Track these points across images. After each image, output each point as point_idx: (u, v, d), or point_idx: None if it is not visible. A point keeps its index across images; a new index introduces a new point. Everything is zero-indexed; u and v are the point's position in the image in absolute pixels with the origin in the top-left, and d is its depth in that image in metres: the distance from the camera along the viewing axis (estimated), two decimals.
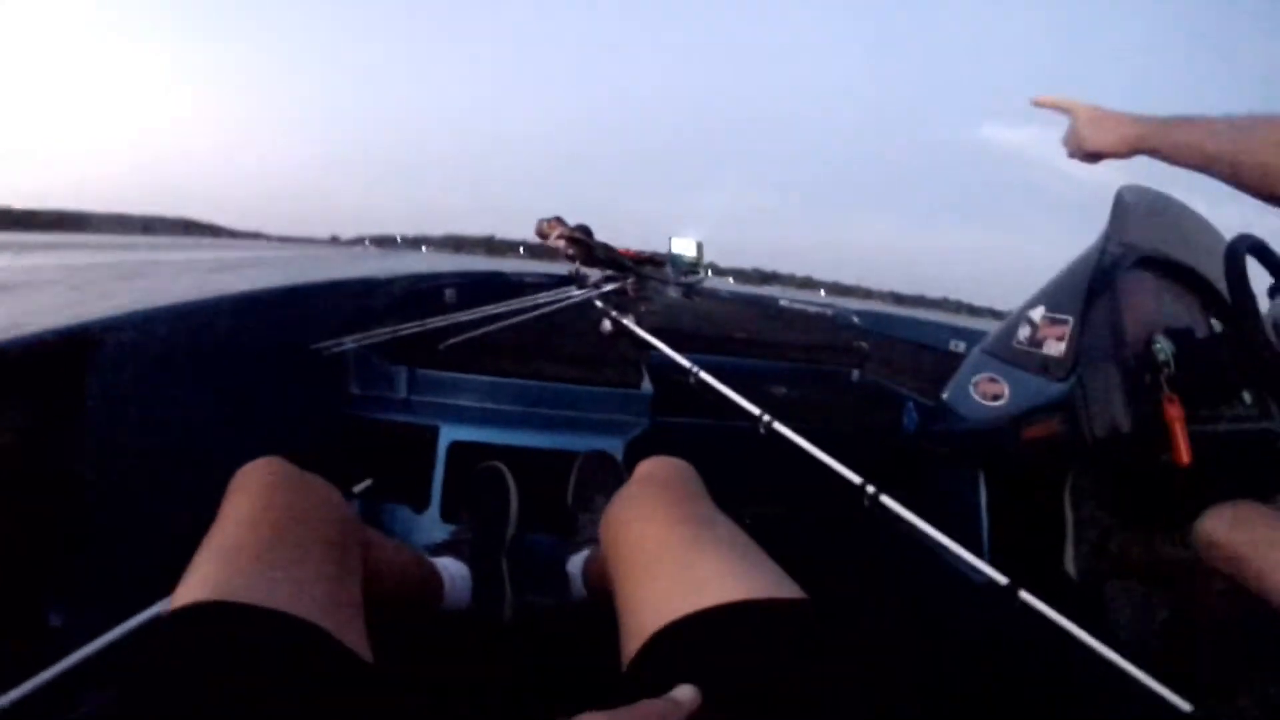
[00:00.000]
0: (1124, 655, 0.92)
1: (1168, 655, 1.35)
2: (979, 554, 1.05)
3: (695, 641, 0.55)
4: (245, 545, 0.60)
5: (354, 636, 0.58)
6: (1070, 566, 1.43)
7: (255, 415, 1.29)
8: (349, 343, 1.43)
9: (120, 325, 0.97)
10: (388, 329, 1.53)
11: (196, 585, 0.54)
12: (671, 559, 0.64)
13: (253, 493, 0.68)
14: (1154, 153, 0.98)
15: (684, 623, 0.55)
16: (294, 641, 0.53)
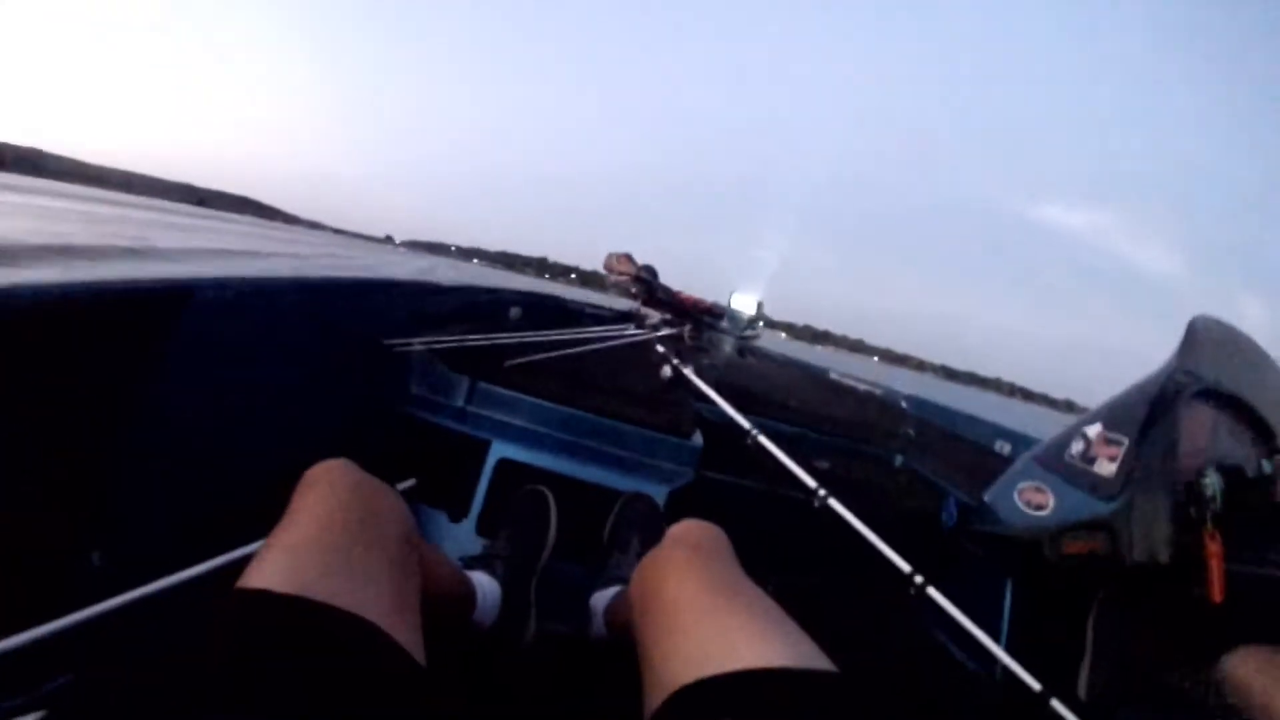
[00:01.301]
0: None
1: None
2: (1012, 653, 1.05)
3: (722, 702, 0.56)
4: (314, 542, 0.62)
5: (413, 643, 0.60)
6: (1083, 686, 1.42)
7: (318, 397, 1.33)
8: (416, 344, 1.47)
9: (211, 287, 1.01)
10: (455, 336, 1.56)
11: (265, 574, 0.56)
12: (705, 619, 0.65)
13: (324, 492, 0.70)
14: None
15: (713, 682, 0.56)
16: (355, 641, 0.55)
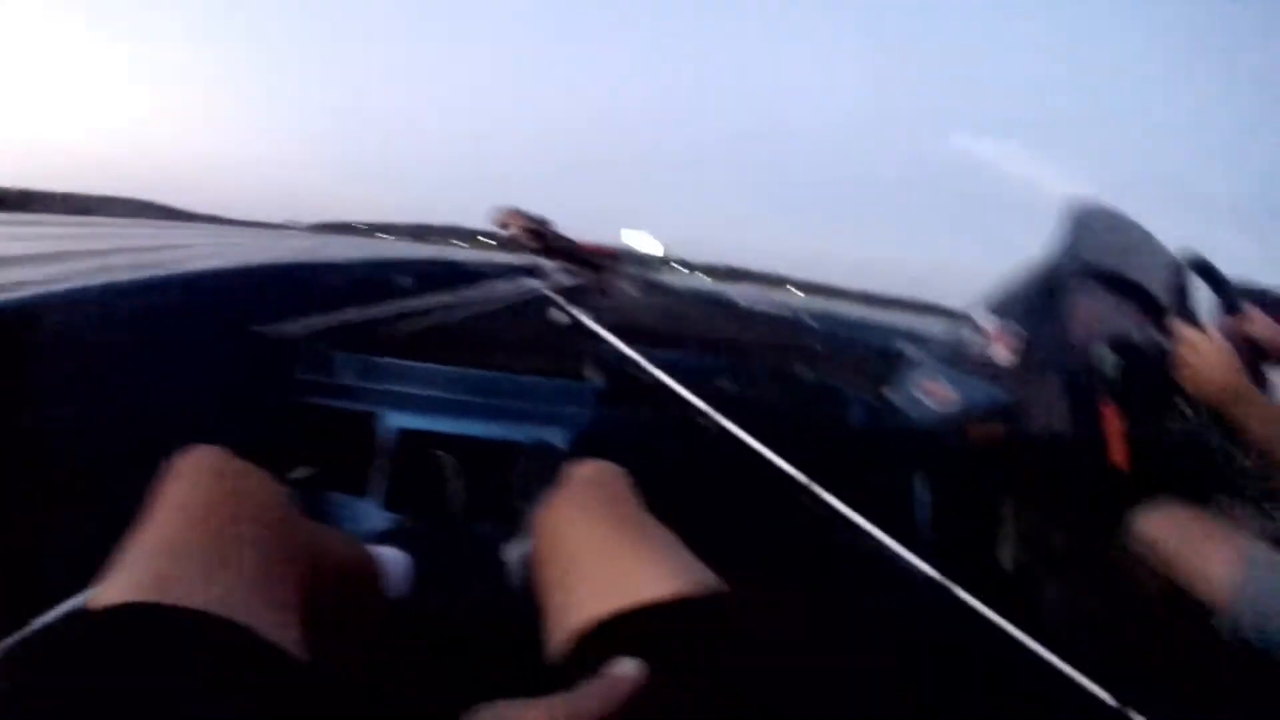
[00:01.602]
0: (1054, 651, 0.94)
1: (1100, 650, 1.38)
2: (918, 551, 1.06)
3: (622, 639, 0.55)
4: (175, 541, 0.58)
5: (288, 636, 0.56)
6: (1007, 561, 1.46)
7: (198, 398, 1.26)
8: (297, 327, 1.40)
9: (60, 302, 0.95)
10: (337, 314, 1.50)
11: (121, 583, 0.52)
12: (599, 560, 0.65)
13: (186, 483, 0.65)
14: (1232, 413, 1.13)
15: (611, 621, 0.56)
16: (223, 644, 0.51)
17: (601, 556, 0.65)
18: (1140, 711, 0.92)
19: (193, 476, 0.67)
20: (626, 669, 0.46)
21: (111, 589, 0.52)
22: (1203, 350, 1.14)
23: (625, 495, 0.79)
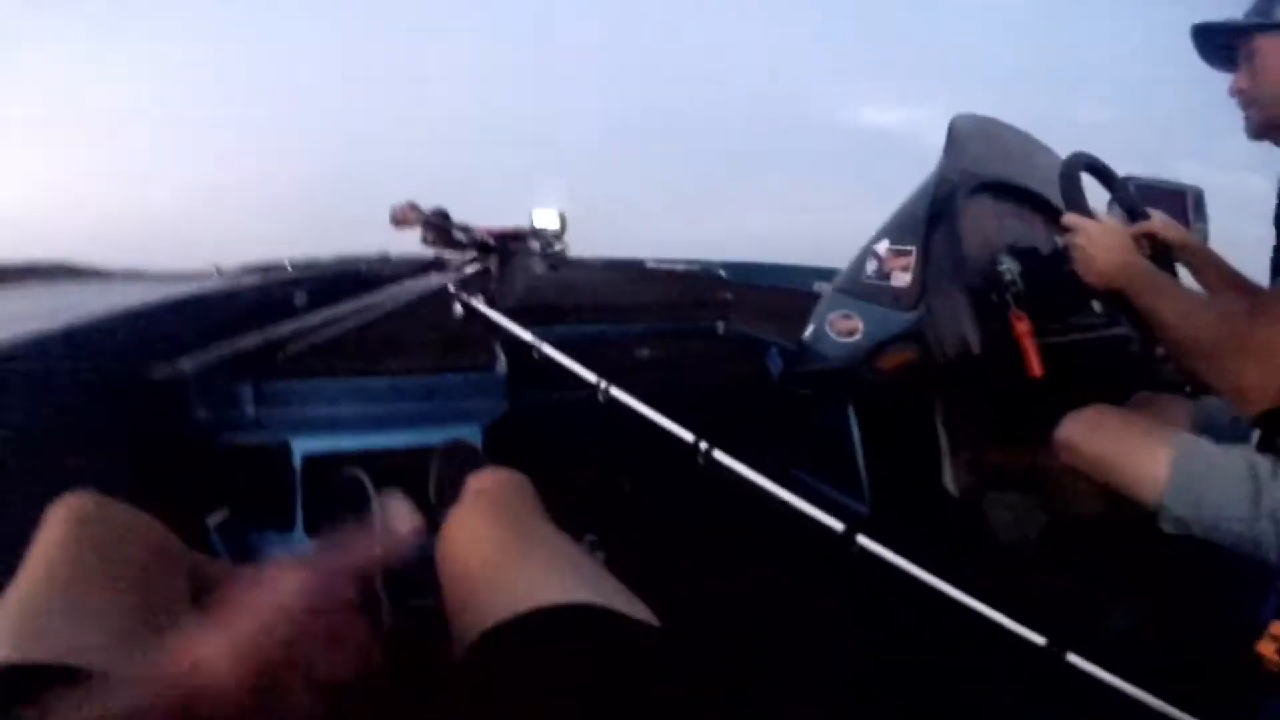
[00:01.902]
0: (1005, 566, 0.95)
1: (1046, 560, 1.41)
2: (858, 490, 1.06)
3: (513, 645, 0.56)
4: (42, 591, 0.56)
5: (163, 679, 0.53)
6: (949, 483, 1.48)
7: (91, 452, 1.18)
8: (186, 364, 1.33)
9: None
10: (227, 343, 1.42)
11: None
12: (497, 571, 0.66)
13: (56, 533, 0.64)
14: (1128, 296, 1.10)
15: (502, 627, 0.57)
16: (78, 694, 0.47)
17: (499, 566, 0.66)
18: (1077, 651, 0.94)
19: (61, 525, 0.65)
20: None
21: None
22: (1095, 234, 1.13)
23: (526, 504, 0.81)
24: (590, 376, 1.26)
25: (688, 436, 1.13)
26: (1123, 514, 1.17)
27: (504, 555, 0.68)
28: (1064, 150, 1.39)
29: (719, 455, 1.09)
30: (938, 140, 1.36)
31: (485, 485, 0.85)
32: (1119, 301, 1.14)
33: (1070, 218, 1.18)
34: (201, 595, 0.72)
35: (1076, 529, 1.39)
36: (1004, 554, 1.04)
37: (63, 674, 0.49)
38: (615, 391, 1.22)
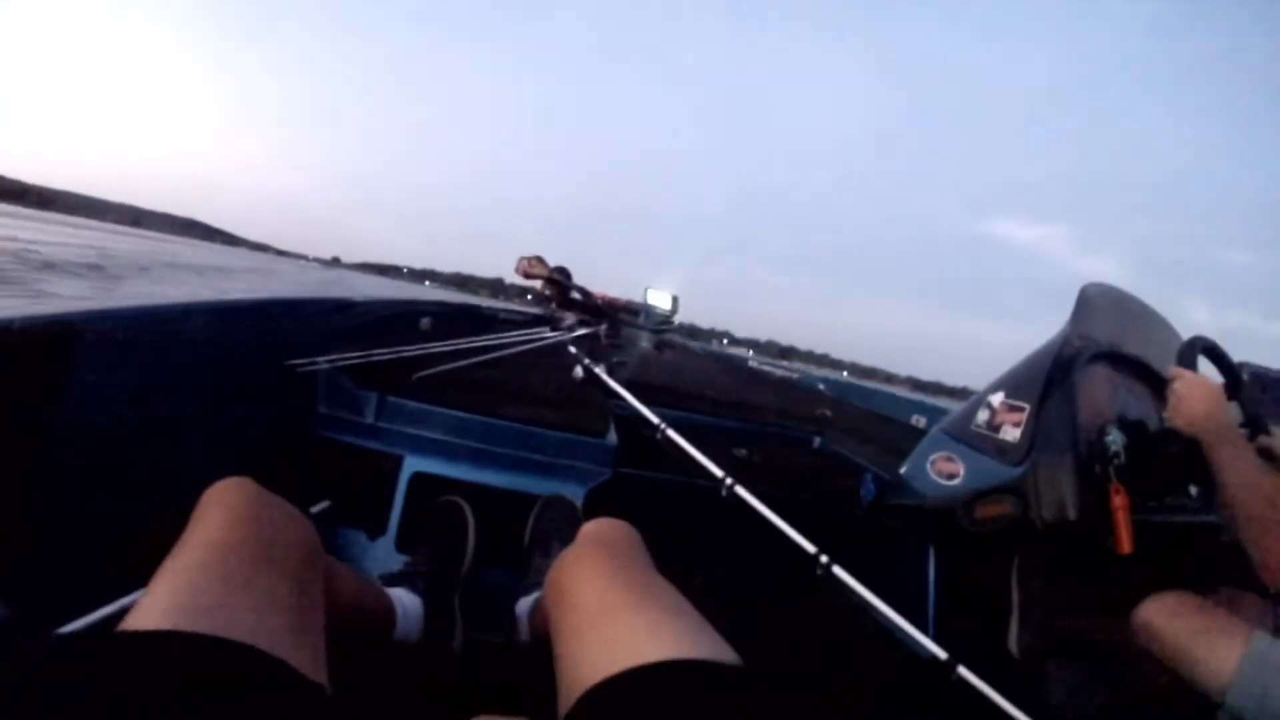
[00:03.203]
0: None
1: None
2: (924, 627, 1.06)
3: (626, 699, 0.55)
4: (206, 570, 0.58)
5: (314, 668, 0.57)
6: (1013, 643, 1.45)
7: (223, 425, 1.27)
8: (322, 362, 1.42)
9: (100, 321, 0.96)
10: (361, 352, 1.52)
11: (154, 610, 0.53)
12: (609, 619, 0.65)
13: (219, 514, 0.67)
14: (1206, 446, 1.20)
15: (616, 680, 0.56)
16: (252, 673, 0.51)
17: (612, 615, 0.65)
18: None
19: (224, 507, 0.68)
20: None
21: (145, 615, 0.52)
22: (1192, 382, 1.23)
23: (638, 555, 0.80)
24: (715, 470, 1.30)
25: (809, 547, 1.15)
26: (1185, 704, 1.15)
27: (617, 602, 0.67)
28: (1193, 304, 1.42)
29: (838, 571, 1.11)
30: (1065, 262, 1.42)
31: (599, 531, 0.84)
32: (1196, 451, 1.20)
33: (1176, 369, 1.27)
34: (328, 596, 0.75)
35: (1133, 710, 1.35)
36: None
37: (222, 648, 0.51)
38: (739, 490, 1.26)
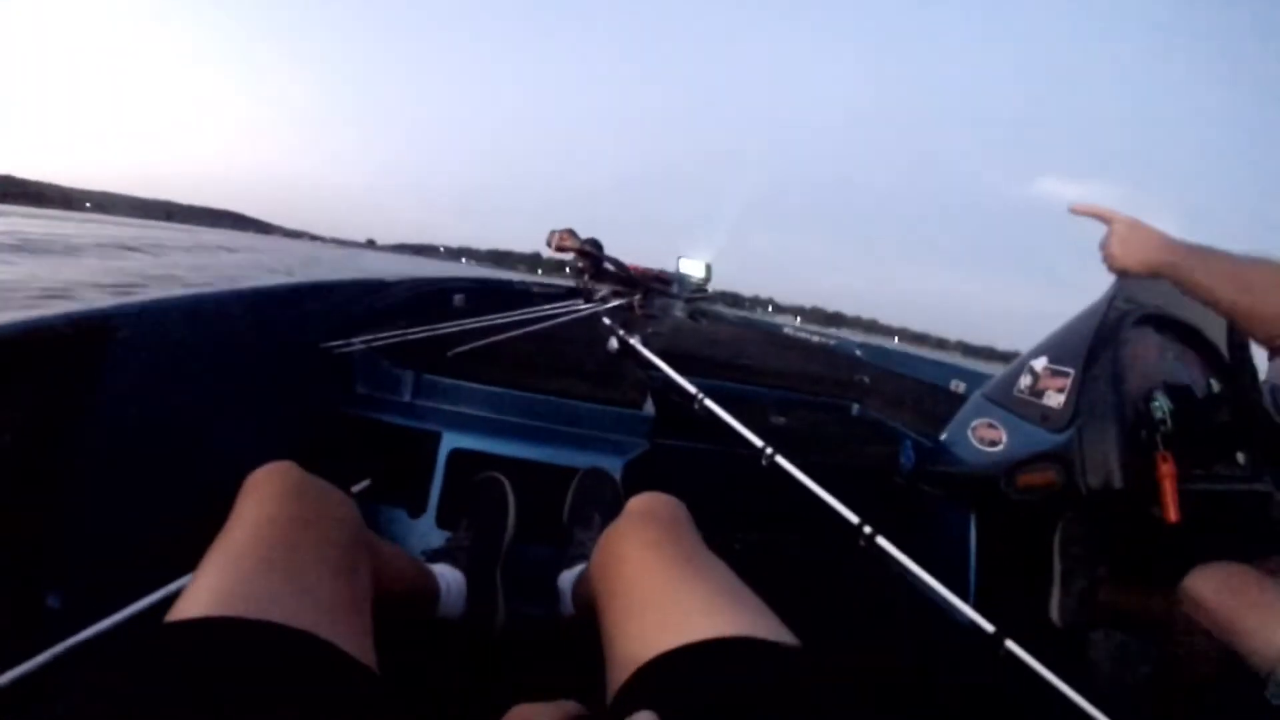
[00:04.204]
0: (1102, 708, 0.93)
1: (1146, 709, 1.36)
2: (965, 595, 1.05)
3: (680, 676, 0.55)
4: (253, 554, 0.59)
5: (362, 649, 0.58)
6: (1055, 613, 1.44)
7: (263, 409, 1.29)
8: (357, 343, 1.44)
9: (135, 314, 0.97)
10: (395, 331, 1.53)
11: (201, 597, 0.54)
12: (661, 595, 0.65)
13: (264, 498, 0.67)
14: (1171, 279, 1.08)
15: (670, 656, 0.56)
16: (301, 657, 0.52)
17: (665, 591, 0.65)
18: None
19: (268, 491, 0.69)
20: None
21: (193, 602, 0.53)
22: (1130, 223, 1.12)
23: (688, 528, 0.79)
24: (755, 439, 1.30)
25: (852, 517, 1.15)
26: (1232, 676, 1.13)
27: (667, 578, 0.67)
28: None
29: (881, 541, 1.10)
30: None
31: (647, 505, 0.83)
32: (1245, 418, 1.14)
33: (1103, 210, 1.15)
34: (379, 578, 0.75)
35: (1179, 683, 1.34)
36: (1096, 696, 1.01)
37: (272, 632, 0.52)
38: (779, 459, 1.25)
